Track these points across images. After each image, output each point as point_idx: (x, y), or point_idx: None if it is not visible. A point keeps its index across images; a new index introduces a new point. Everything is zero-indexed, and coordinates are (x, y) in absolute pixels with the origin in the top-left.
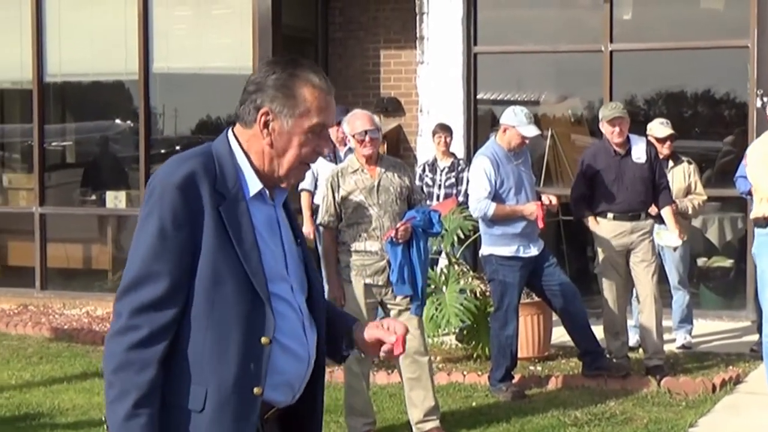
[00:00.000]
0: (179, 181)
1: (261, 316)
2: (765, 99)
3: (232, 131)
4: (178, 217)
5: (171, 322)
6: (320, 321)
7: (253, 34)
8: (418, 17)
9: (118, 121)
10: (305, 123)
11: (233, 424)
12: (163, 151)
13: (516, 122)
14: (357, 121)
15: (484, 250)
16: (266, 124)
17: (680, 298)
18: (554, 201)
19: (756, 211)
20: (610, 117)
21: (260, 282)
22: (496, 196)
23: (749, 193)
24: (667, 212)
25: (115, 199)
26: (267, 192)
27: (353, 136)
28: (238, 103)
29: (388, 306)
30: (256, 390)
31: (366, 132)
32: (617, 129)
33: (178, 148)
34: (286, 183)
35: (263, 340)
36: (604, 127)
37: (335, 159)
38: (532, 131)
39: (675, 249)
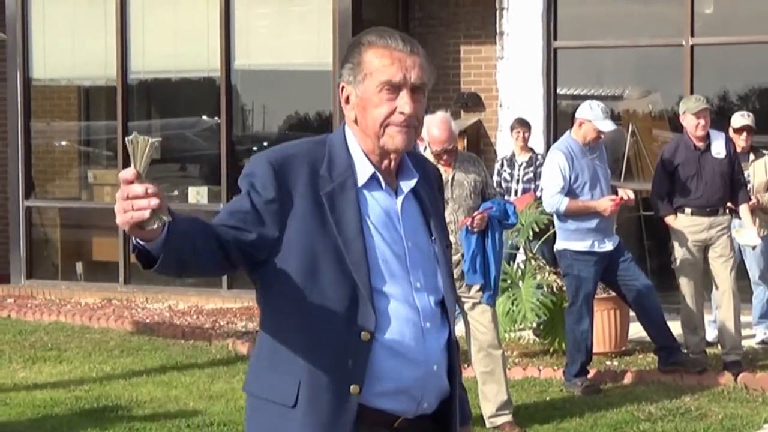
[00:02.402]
0: (273, 158)
1: (361, 310)
2: None
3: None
4: (266, 186)
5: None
6: (451, 326)
7: (333, 30)
8: (497, 12)
9: (204, 117)
10: (372, 84)
11: (328, 421)
12: (244, 147)
13: (592, 116)
14: (435, 130)
15: (559, 245)
16: (347, 99)
17: (761, 293)
18: (632, 196)
19: None
20: (696, 109)
21: (362, 275)
22: (570, 191)
23: None
24: (744, 210)
25: (198, 195)
26: (382, 179)
27: (429, 146)
28: None
29: (462, 299)
30: (353, 388)
31: (444, 152)
32: (701, 122)
33: (262, 144)
34: (391, 153)
35: (363, 335)
36: (687, 120)
37: None
38: (608, 126)
39: (754, 248)
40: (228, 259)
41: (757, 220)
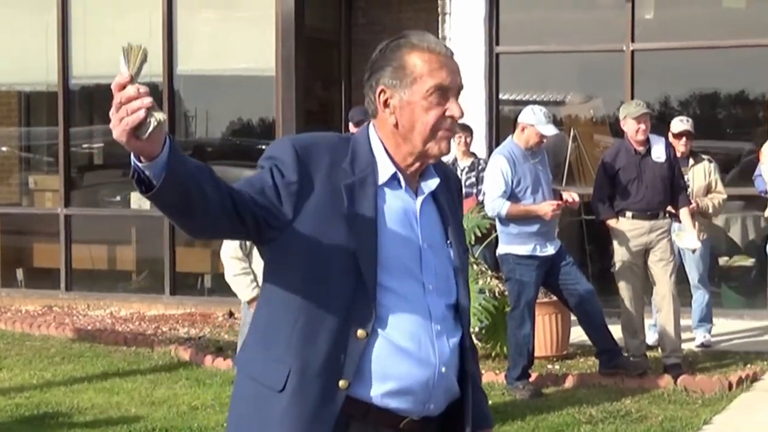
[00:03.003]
0: (297, 142)
1: (362, 308)
2: None
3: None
4: (288, 168)
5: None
6: (465, 330)
7: (276, 35)
8: (440, 18)
9: None
10: (422, 88)
11: (311, 411)
12: (186, 153)
13: (535, 121)
14: None
15: (501, 249)
16: (386, 103)
17: (700, 297)
18: (576, 198)
19: None
20: (636, 114)
21: (370, 269)
22: (512, 195)
23: (766, 191)
24: (684, 214)
25: (140, 200)
26: (403, 179)
27: None
28: (366, 99)
29: None
30: (341, 383)
31: None
32: (642, 126)
33: (206, 149)
34: (432, 158)
35: (359, 333)
36: (628, 125)
37: None
38: (550, 130)
39: (694, 251)
40: (241, 218)
41: (697, 224)
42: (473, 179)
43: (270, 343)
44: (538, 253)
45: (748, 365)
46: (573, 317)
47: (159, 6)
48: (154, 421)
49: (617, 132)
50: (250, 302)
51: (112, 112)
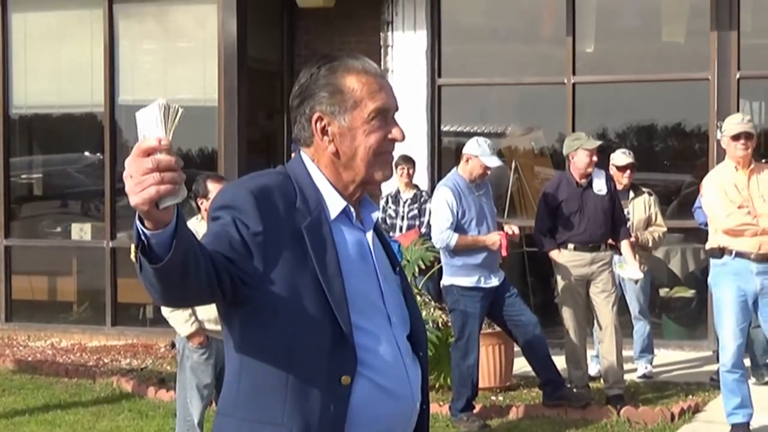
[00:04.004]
0: (253, 188)
1: (342, 352)
2: (722, 130)
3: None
4: (251, 218)
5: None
6: (423, 358)
7: (219, 66)
8: (382, 50)
9: (87, 153)
10: (363, 113)
11: None
12: None
13: (479, 152)
14: None
15: (446, 281)
16: (324, 131)
17: (641, 328)
18: (516, 231)
19: (711, 242)
20: (591, 146)
21: (343, 312)
22: (458, 227)
23: (707, 224)
24: (625, 246)
25: (81, 231)
26: (353, 212)
27: None
28: (292, 126)
29: None
30: None
31: None
32: (594, 158)
33: None
34: (376, 184)
35: (343, 379)
36: (578, 156)
37: None
38: (494, 161)
39: (636, 282)
40: (221, 284)
41: (637, 257)
42: (416, 211)
43: (264, 409)
44: (482, 284)
45: (690, 396)
46: (516, 348)
47: (100, 36)
48: None
49: (558, 164)
50: (189, 337)
51: (135, 174)
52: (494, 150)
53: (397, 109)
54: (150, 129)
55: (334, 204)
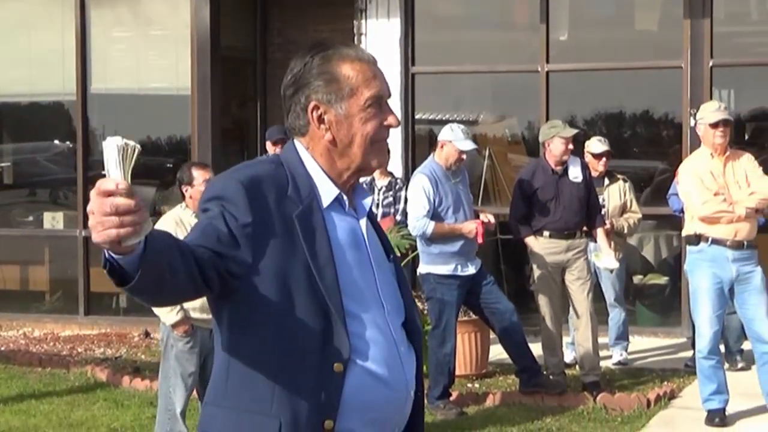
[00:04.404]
0: (244, 179)
1: (335, 340)
2: (697, 118)
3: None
4: (240, 209)
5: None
6: (418, 346)
7: (192, 54)
8: (356, 38)
9: (56, 142)
10: (359, 100)
11: None
12: (100, 172)
13: (453, 137)
14: None
15: (422, 269)
16: (321, 119)
17: (616, 315)
18: (492, 220)
19: (687, 229)
20: (568, 134)
21: (335, 300)
22: (434, 215)
23: (682, 210)
24: (600, 234)
25: (53, 220)
26: (346, 200)
27: None
28: (285, 115)
29: None
30: (326, 423)
31: None
32: (570, 146)
33: None
34: (372, 170)
35: (336, 366)
36: (554, 144)
37: None
38: (468, 145)
39: (612, 271)
40: (207, 281)
41: (613, 244)
42: (391, 199)
43: (253, 399)
44: (459, 272)
45: (665, 382)
46: (492, 335)
47: (72, 24)
48: None
49: (532, 151)
50: (174, 326)
51: (96, 213)
52: (468, 134)
53: (389, 95)
54: (111, 166)
55: (327, 192)
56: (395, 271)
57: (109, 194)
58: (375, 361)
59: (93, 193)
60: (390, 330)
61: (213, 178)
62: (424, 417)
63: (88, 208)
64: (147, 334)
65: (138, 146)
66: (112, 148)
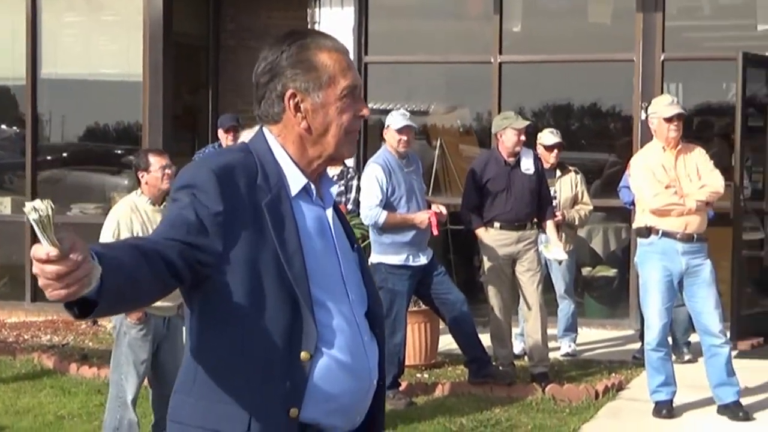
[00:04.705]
0: (215, 167)
1: (304, 326)
2: (649, 111)
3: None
4: (211, 198)
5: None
6: (380, 336)
7: (144, 40)
8: (309, 26)
9: (4, 126)
10: (336, 90)
11: None
12: (50, 157)
13: (390, 122)
14: None
15: (374, 258)
16: (297, 107)
17: (566, 306)
18: (444, 210)
19: (637, 221)
20: (520, 126)
21: (303, 289)
22: (387, 204)
23: (632, 203)
24: (550, 226)
25: (1, 205)
26: (313, 189)
27: None
28: (256, 103)
29: None
30: (291, 411)
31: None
32: (522, 138)
33: (65, 154)
34: (342, 160)
35: (303, 355)
36: (507, 135)
37: None
38: (400, 121)
39: (560, 263)
40: (176, 276)
41: (564, 236)
42: (342, 188)
43: (221, 388)
44: (410, 263)
45: (613, 374)
46: (441, 326)
47: (22, 8)
48: (19, 431)
49: (483, 142)
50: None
51: (39, 277)
52: (405, 115)
53: (362, 86)
54: (38, 233)
55: (295, 181)
56: (359, 261)
57: (45, 262)
58: (341, 350)
59: (32, 257)
60: (355, 319)
61: (185, 167)
62: (384, 405)
63: (33, 270)
64: (94, 322)
65: (50, 204)
66: (30, 220)
